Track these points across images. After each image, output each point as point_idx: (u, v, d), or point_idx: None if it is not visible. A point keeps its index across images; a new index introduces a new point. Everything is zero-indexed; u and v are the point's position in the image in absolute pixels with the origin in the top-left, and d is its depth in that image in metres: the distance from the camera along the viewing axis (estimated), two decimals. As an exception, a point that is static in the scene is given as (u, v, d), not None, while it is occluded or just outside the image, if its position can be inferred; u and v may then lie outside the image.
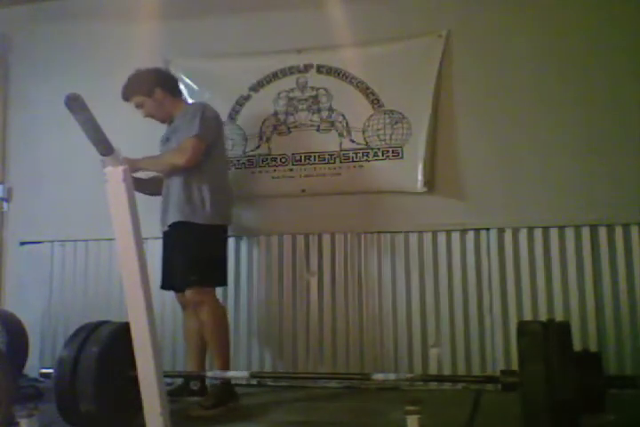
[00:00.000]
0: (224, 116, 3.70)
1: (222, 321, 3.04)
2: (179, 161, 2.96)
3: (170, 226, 3.04)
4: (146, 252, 1.98)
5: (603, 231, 3.20)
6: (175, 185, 3.03)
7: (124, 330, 2.11)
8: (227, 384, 2.94)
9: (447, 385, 3.21)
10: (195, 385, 2.98)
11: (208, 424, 2.65)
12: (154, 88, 3.14)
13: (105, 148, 1.83)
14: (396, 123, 3.49)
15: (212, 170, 3.06)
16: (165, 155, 3.08)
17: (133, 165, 2.84)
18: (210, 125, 3.04)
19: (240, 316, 3.55)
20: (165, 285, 3.14)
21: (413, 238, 3.41)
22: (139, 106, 3.19)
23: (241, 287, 3.58)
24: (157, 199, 3.52)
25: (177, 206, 3.00)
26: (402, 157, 3.47)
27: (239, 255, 3.59)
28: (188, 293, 2.96)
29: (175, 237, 3.04)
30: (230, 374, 2.88)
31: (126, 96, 3.17)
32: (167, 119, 3.22)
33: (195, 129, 2.96)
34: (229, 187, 3.22)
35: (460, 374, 3.27)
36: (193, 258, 2.95)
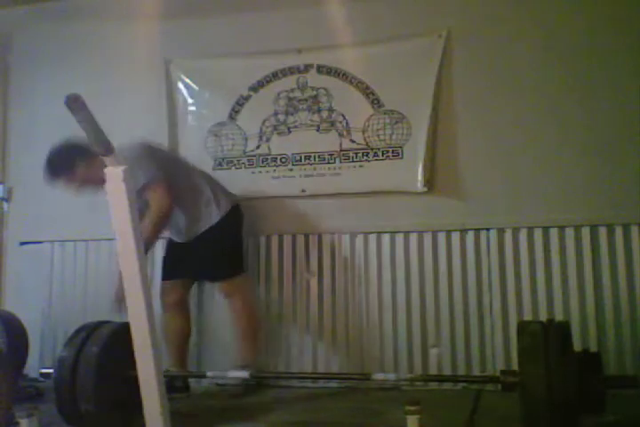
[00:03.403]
0: (224, 117, 3.71)
1: (255, 310, 3.32)
2: (160, 213, 3.02)
3: (197, 237, 3.22)
4: (146, 252, 1.99)
5: (603, 231, 3.20)
6: (176, 214, 3.17)
7: (124, 330, 2.10)
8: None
9: (447, 385, 3.21)
10: (178, 382, 3.11)
11: (208, 424, 2.65)
12: (73, 161, 3.11)
13: (105, 148, 1.82)
14: (396, 123, 3.49)
15: (183, 186, 3.17)
16: (147, 220, 3.00)
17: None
18: (147, 164, 3.03)
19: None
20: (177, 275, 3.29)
21: (413, 238, 3.41)
22: (68, 185, 3.17)
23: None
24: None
25: (192, 225, 3.21)
26: (402, 157, 3.47)
27: (239, 255, 3.59)
28: (223, 284, 3.24)
29: (204, 242, 3.20)
30: (230, 374, 2.88)
31: (52, 179, 3.14)
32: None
33: (142, 179, 2.95)
34: (203, 180, 3.29)
35: (460, 374, 3.27)
36: (224, 252, 3.22)
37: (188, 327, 3.31)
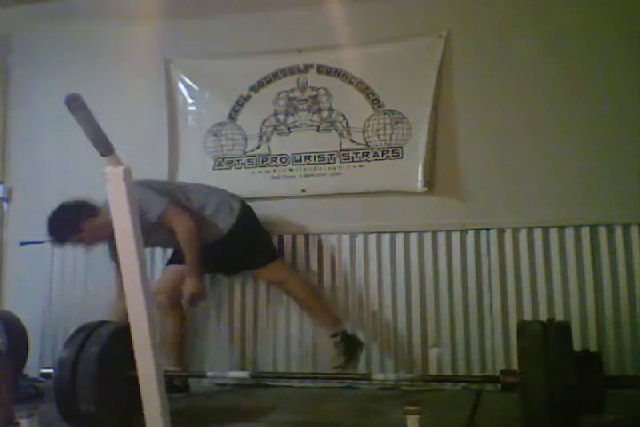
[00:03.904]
0: (224, 117, 3.71)
1: (309, 284, 3.40)
2: (190, 233, 3.06)
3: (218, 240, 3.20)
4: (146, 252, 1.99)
5: (603, 231, 3.20)
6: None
7: (124, 330, 2.10)
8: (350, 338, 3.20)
9: (447, 385, 3.21)
10: (178, 382, 3.11)
11: (208, 424, 2.65)
12: (79, 222, 3.09)
13: (105, 148, 1.82)
14: (396, 123, 3.49)
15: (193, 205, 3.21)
16: (187, 247, 3.10)
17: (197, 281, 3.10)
18: (152, 196, 3.07)
19: (239, 316, 3.55)
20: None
21: (413, 238, 3.41)
22: (77, 243, 3.19)
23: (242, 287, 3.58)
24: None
25: (210, 233, 3.18)
26: (402, 157, 3.47)
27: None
28: (265, 273, 3.32)
29: (227, 244, 3.20)
30: (230, 374, 2.88)
31: (58, 242, 3.17)
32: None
33: (156, 212, 3.02)
34: (203, 195, 3.29)
35: (460, 374, 3.27)
36: (250, 245, 3.27)
37: (184, 326, 3.35)
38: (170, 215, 3.05)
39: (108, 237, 3.04)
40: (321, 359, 3.40)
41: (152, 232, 3.03)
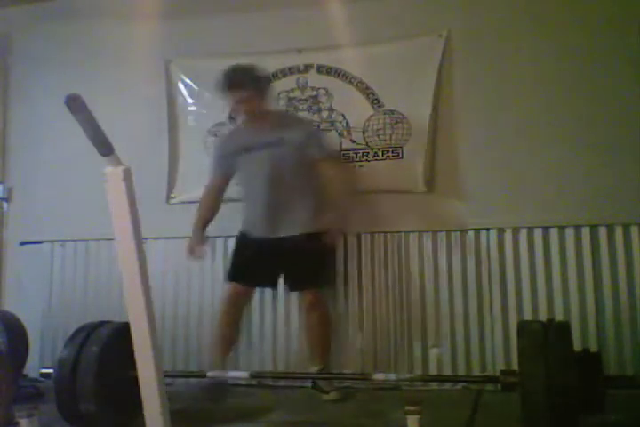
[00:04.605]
0: (224, 117, 3.71)
1: (332, 323, 3.22)
2: (352, 182, 3.17)
3: (297, 235, 3.05)
4: (146, 252, 1.98)
5: (603, 231, 3.20)
6: (299, 197, 3.09)
7: (124, 330, 2.10)
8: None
9: (447, 385, 3.21)
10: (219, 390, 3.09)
11: (208, 424, 2.65)
12: (266, 86, 3.16)
13: (105, 148, 1.82)
14: (396, 123, 3.49)
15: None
16: (344, 181, 3.11)
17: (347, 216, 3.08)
18: (325, 139, 3.24)
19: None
20: (252, 280, 3.19)
21: (413, 238, 3.41)
22: (241, 100, 3.08)
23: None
24: (155, 200, 3.55)
25: (306, 216, 3.07)
26: (402, 157, 3.47)
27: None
28: (312, 293, 3.11)
29: (308, 243, 3.03)
30: (230, 374, 2.88)
31: (234, 86, 3.06)
32: (258, 122, 3.17)
33: (316, 153, 3.07)
34: None
35: (460, 374, 3.27)
36: (322, 264, 3.14)
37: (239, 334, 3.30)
38: (337, 158, 3.08)
39: (254, 118, 3.15)
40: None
41: (287, 172, 3.08)
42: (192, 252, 3.21)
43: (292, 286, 3.21)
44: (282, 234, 3.07)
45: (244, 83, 3.04)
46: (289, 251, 3.05)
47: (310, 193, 3.10)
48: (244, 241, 3.22)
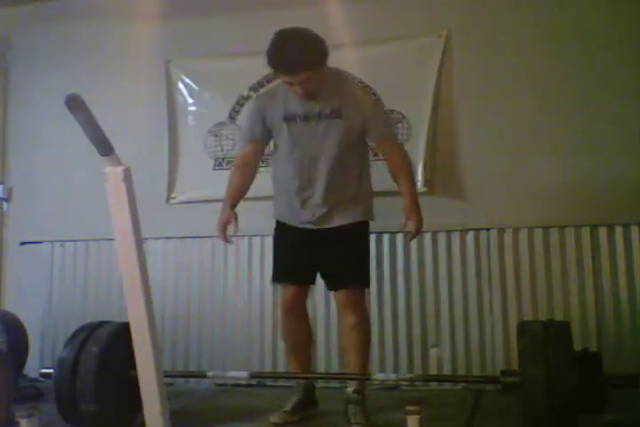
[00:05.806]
0: (224, 117, 3.71)
1: (369, 326, 2.82)
2: (410, 165, 2.79)
3: (343, 224, 2.65)
4: (146, 252, 1.98)
5: (603, 231, 3.20)
6: (346, 178, 2.67)
7: (124, 330, 2.10)
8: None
9: (447, 385, 3.21)
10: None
11: (208, 424, 2.65)
12: (325, 59, 2.54)
13: (105, 148, 1.82)
14: (396, 123, 3.48)
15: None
16: (409, 176, 2.73)
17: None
18: (390, 120, 3.03)
19: (238, 316, 3.55)
20: (297, 278, 2.72)
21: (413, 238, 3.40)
22: (306, 81, 2.52)
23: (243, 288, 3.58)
24: (155, 200, 3.55)
25: (353, 203, 2.68)
26: (402, 157, 3.46)
27: (239, 256, 3.59)
28: (352, 292, 2.65)
29: (351, 235, 2.68)
30: (230, 374, 2.88)
31: (297, 69, 2.49)
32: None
33: (376, 134, 2.70)
34: None
35: (460, 374, 3.27)
36: (366, 259, 2.75)
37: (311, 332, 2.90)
38: (399, 143, 2.84)
39: (316, 92, 2.59)
40: (320, 359, 3.40)
41: (341, 150, 2.62)
42: (222, 228, 2.70)
43: (334, 282, 2.71)
44: (334, 224, 2.65)
45: (314, 63, 2.50)
46: (336, 241, 2.65)
47: (358, 177, 2.71)
48: (284, 233, 2.77)
